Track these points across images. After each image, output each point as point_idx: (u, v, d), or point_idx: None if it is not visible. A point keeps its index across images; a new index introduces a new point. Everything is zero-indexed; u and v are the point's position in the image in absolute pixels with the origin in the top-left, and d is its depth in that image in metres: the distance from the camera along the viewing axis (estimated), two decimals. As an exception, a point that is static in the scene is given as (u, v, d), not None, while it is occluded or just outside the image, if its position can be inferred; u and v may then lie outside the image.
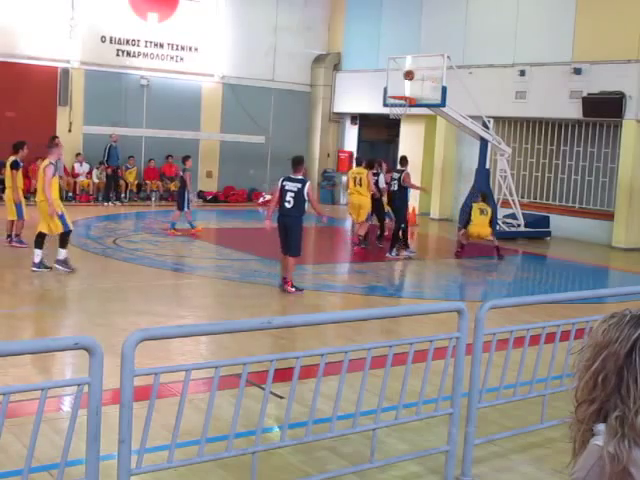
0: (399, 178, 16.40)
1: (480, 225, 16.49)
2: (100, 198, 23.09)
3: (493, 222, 16.97)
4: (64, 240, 12.50)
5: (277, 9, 26.42)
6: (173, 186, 24.49)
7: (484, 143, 20.06)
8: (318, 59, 27.50)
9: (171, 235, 17.23)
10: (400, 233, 16.35)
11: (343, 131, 28.05)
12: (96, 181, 23.27)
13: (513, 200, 20.20)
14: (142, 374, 4.19)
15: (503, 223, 20.06)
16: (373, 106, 22.38)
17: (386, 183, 17.26)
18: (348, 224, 21.19)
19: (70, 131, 22.86)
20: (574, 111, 20.25)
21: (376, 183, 17.05)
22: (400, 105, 19.15)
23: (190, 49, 24.84)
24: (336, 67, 27.48)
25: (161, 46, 24.37)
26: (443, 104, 18.60)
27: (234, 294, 12.00)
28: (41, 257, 12.41)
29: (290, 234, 11.73)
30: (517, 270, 17.14)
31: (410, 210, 18.35)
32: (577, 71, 20.14)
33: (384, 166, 18.07)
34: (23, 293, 11.41)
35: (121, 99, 23.88)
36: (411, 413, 5.64)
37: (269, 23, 26.29)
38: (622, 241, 19.59)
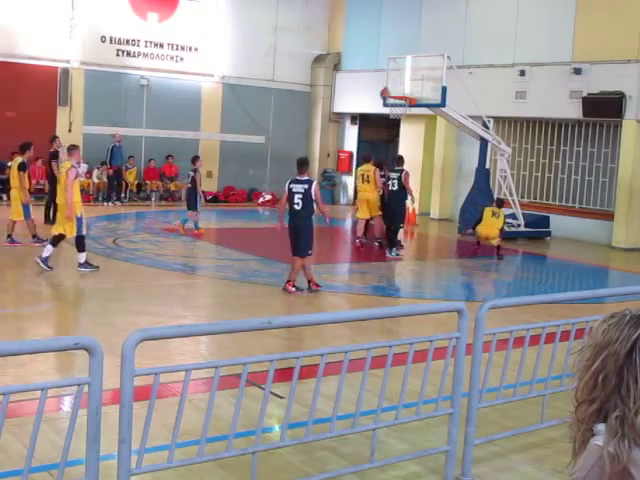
0: (399, 178, 16.33)
1: (489, 226, 16.59)
2: (101, 198, 23.09)
3: (502, 229, 16.99)
4: (80, 244, 12.65)
5: (277, 9, 26.41)
6: (173, 186, 24.53)
7: (484, 143, 20.07)
8: (318, 59, 27.50)
9: (197, 236, 17.30)
10: (386, 234, 16.48)
11: (343, 131, 28.06)
12: (96, 181, 23.27)
13: (513, 200, 20.19)
14: (142, 374, 4.19)
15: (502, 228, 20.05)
16: (373, 106, 22.39)
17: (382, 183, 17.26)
18: (348, 224, 21.19)
19: (70, 131, 22.84)
20: (574, 111, 20.25)
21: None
22: (400, 105, 19.16)
23: (190, 49, 24.84)
24: (336, 67, 27.48)
25: (161, 46, 24.37)
26: (443, 104, 18.60)
27: (234, 294, 12.01)
28: (49, 254, 12.50)
29: (300, 235, 11.81)
30: (517, 270, 17.14)
31: (410, 210, 18.36)
32: (577, 71, 20.14)
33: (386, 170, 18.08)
34: (23, 293, 11.41)
35: (121, 99, 23.89)
36: (411, 413, 5.64)
37: (269, 23, 26.29)
38: (622, 241, 19.58)
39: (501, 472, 5.82)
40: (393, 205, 16.47)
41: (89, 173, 23.28)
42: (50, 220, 17.68)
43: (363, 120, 27.27)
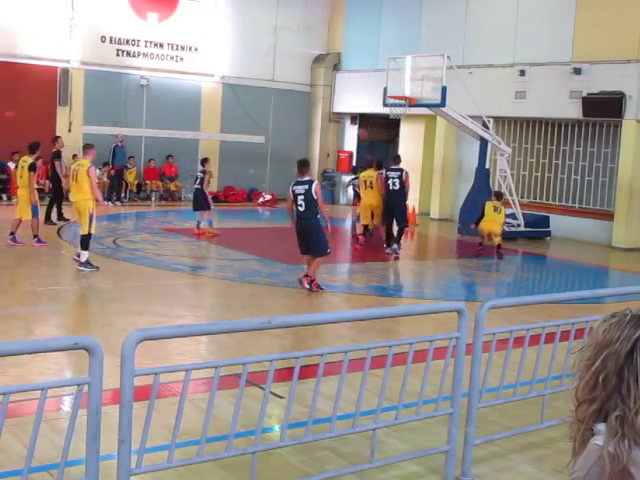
0: (400, 177, 16.29)
1: (492, 222, 16.55)
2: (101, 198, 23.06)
3: (503, 225, 17.02)
4: (85, 242, 12.70)
5: (277, 9, 26.42)
6: (173, 186, 24.54)
7: (484, 143, 20.06)
8: (318, 59, 27.50)
9: (213, 237, 17.27)
10: (387, 231, 16.49)
11: (343, 131, 28.07)
12: (96, 181, 23.21)
13: (513, 200, 20.19)
14: (142, 374, 4.19)
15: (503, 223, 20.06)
16: (373, 106, 22.38)
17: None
18: (348, 224, 21.19)
19: (70, 131, 22.83)
20: (574, 111, 20.24)
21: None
22: (400, 105, 19.16)
23: (190, 49, 24.84)
24: (336, 67, 27.48)
25: (161, 46, 24.37)
26: (443, 104, 18.60)
27: (234, 294, 12.01)
28: (87, 258, 12.61)
29: (311, 235, 11.91)
30: (517, 270, 17.15)
31: (410, 210, 18.36)
32: (577, 71, 20.13)
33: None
34: (23, 293, 11.41)
35: (121, 99, 23.88)
36: (411, 413, 5.64)
37: (269, 23, 26.29)
38: (622, 241, 19.58)
39: (501, 472, 5.82)
40: (396, 204, 16.37)
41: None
42: (50, 220, 17.70)
43: (363, 120, 27.27)
